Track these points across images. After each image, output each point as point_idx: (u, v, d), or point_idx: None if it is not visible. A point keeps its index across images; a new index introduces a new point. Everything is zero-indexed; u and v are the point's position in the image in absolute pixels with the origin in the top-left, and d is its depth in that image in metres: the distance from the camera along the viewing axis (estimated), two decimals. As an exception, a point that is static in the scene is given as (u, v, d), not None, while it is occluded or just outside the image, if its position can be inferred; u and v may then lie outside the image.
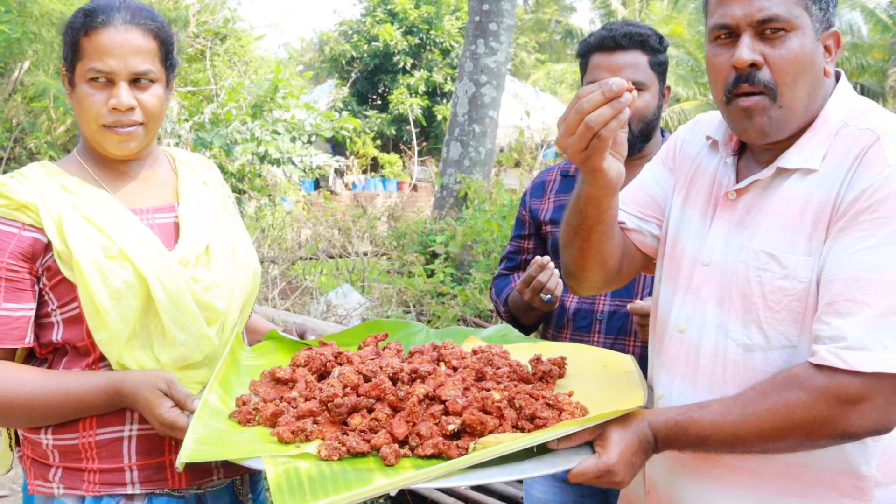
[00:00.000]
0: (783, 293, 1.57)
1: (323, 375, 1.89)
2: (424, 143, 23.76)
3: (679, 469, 1.74)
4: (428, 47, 24.02)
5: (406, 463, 1.53)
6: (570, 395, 1.73)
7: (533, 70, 36.00)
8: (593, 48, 2.55)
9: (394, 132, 23.98)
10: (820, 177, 1.57)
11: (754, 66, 1.57)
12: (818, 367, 1.46)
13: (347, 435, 1.59)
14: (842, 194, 1.52)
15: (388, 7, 24.18)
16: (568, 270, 1.93)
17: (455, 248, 7.07)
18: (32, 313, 1.85)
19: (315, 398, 1.72)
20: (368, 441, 1.57)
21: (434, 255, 7.53)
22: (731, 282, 1.65)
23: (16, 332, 1.82)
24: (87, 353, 1.87)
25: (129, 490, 1.88)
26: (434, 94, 23.90)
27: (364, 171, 23.70)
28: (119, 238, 1.85)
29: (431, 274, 7.32)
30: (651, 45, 2.50)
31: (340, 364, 1.91)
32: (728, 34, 1.61)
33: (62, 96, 14.11)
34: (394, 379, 1.78)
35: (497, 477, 1.49)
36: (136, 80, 1.90)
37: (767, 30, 1.56)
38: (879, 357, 1.42)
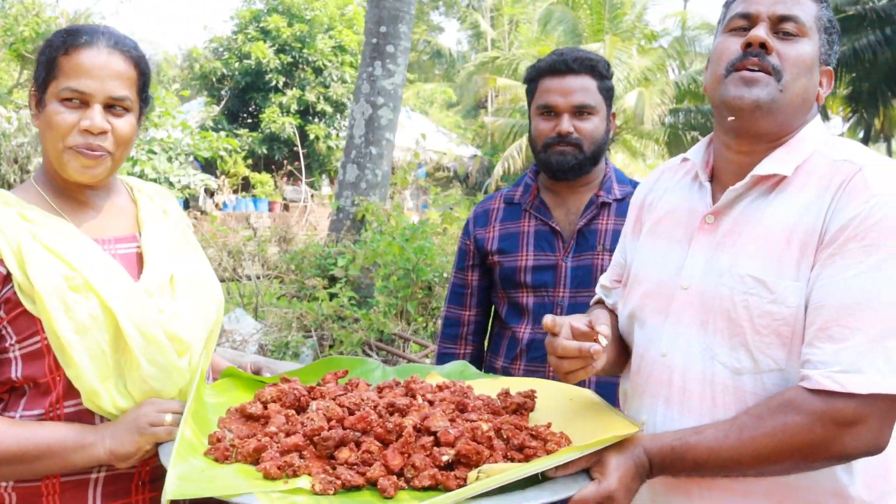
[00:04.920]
0: (771, 317, 1.61)
1: (297, 410, 1.84)
2: (297, 163, 23.56)
3: (669, 493, 1.77)
4: (301, 66, 23.81)
5: (404, 495, 1.51)
6: (548, 427, 1.74)
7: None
8: (544, 72, 2.62)
9: (265, 151, 23.63)
10: (803, 204, 1.63)
11: (765, 48, 1.66)
12: (813, 391, 1.51)
13: (337, 469, 1.57)
14: (827, 221, 1.58)
15: (261, 25, 23.87)
16: None
17: (355, 271, 7.01)
18: None
19: (297, 432, 1.68)
20: (363, 474, 1.54)
21: (332, 279, 7.45)
22: (713, 305, 1.69)
23: None
24: (48, 390, 1.77)
25: None
26: (307, 113, 23.72)
27: (235, 191, 23.29)
28: (83, 269, 1.78)
29: (332, 298, 7.24)
30: (600, 70, 2.60)
31: (314, 399, 1.87)
32: (746, 27, 1.70)
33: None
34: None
35: None
36: (110, 106, 1.85)
37: (782, 30, 1.67)
38: (874, 379, 1.47)
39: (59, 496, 1.79)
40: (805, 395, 1.53)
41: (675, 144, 24.18)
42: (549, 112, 2.60)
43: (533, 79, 2.67)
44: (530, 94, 2.70)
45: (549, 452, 1.62)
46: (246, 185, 23.73)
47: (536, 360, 2.61)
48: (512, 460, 1.61)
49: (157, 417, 1.75)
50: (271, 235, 10.27)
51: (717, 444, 1.57)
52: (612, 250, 2.56)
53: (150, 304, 1.84)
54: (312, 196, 21.51)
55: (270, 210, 21.93)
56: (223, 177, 21.92)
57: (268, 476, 1.56)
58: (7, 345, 1.77)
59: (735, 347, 1.66)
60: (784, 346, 1.61)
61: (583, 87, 2.57)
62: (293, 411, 1.81)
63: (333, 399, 1.86)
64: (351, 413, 1.75)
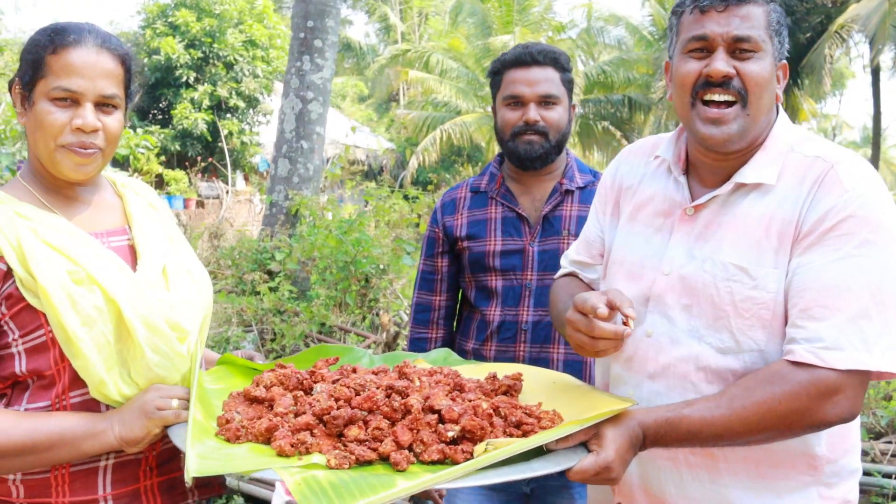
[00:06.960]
0: (752, 302, 1.75)
1: (302, 392, 1.90)
2: (210, 159, 23.18)
3: (655, 460, 1.89)
4: (211, 61, 23.35)
5: (416, 468, 1.60)
6: (539, 406, 1.83)
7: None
8: (509, 64, 2.75)
9: (178, 148, 23.17)
10: (780, 197, 1.77)
11: (727, 76, 1.76)
12: (797, 364, 1.66)
13: (347, 445, 1.65)
14: (804, 214, 1.73)
15: (169, 20, 23.31)
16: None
17: (293, 264, 7.03)
18: None
19: (306, 412, 1.76)
20: (375, 450, 1.63)
21: (269, 273, 7.45)
22: (696, 290, 1.82)
23: None
24: (52, 382, 1.81)
25: None
26: (219, 108, 23.35)
27: (149, 189, 22.72)
28: (85, 262, 1.82)
29: (272, 291, 7.22)
30: (562, 63, 2.73)
31: (316, 382, 1.94)
32: (701, 49, 1.79)
33: None
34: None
35: (511, 475, 1.57)
36: (100, 104, 1.88)
37: (738, 49, 1.76)
38: (852, 356, 1.63)
39: (68, 486, 1.82)
40: (790, 367, 1.67)
41: (586, 135, 24.58)
42: (516, 102, 2.72)
43: (497, 71, 2.79)
44: (495, 86, 2.81)
45: (544, 428, 1.72)
46: (160, 183, 23.26)
47: (506, 340, 2.73)
48: (511, 436, 1.70)
49: (164, 402, 1.80)
50: (202, 231, 10.16)
51: (710, 413, 1.68)
52: (576, 235, 2.70)
53: (151, 294, 1.89)
54: (228, 192, 21.25)
55: (185, 207, 21.54)
56: (136, 175, 21.47)
57: (282, 453, 1.64)
58: (10, 340, 1.80)
59: (719, 329, 1.80)
60: (764, 329, 1.76)
61: (547, 78, 2.70)
62: (301, 392, 1.89)
63: (334, 382, 1.93)
64: (357, 394, 1.82)
